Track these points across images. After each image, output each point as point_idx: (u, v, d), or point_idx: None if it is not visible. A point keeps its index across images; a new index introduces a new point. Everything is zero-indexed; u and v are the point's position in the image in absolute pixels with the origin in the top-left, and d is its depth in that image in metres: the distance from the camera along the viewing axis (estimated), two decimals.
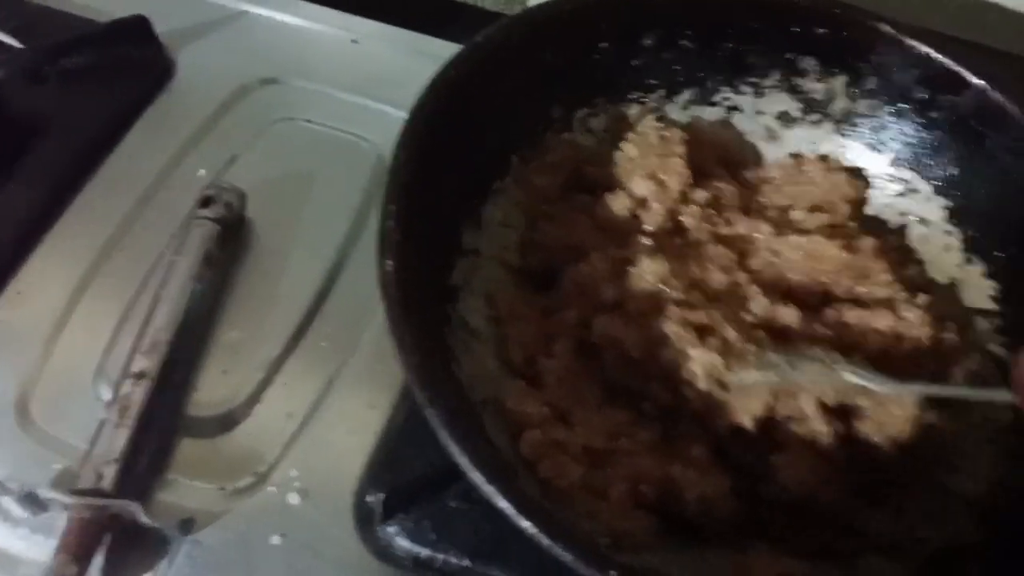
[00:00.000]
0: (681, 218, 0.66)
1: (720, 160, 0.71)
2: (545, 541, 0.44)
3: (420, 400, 0.46)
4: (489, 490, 0.44)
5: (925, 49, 0.63)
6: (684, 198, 0.66)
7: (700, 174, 0.68)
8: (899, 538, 0.56)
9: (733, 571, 0.52)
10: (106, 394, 0.62)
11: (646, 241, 0.63)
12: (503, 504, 0.44)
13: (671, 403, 0.58)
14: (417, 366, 0.47)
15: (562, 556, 0.43)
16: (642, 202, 0.66)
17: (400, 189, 0.53)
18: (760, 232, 0.65)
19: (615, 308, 0.60)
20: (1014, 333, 0.62)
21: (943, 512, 0.57)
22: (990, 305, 0.64)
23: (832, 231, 0.65)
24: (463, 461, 0.45)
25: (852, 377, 0.55)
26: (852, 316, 0.61)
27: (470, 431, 0.48)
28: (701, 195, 0.66)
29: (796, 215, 0.67)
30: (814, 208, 0.67)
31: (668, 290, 0.60)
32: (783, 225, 0.66)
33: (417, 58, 0.82)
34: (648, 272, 0.60)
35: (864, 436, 0.56)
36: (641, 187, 0.65)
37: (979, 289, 0.65)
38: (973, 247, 0.65)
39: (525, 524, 0.44)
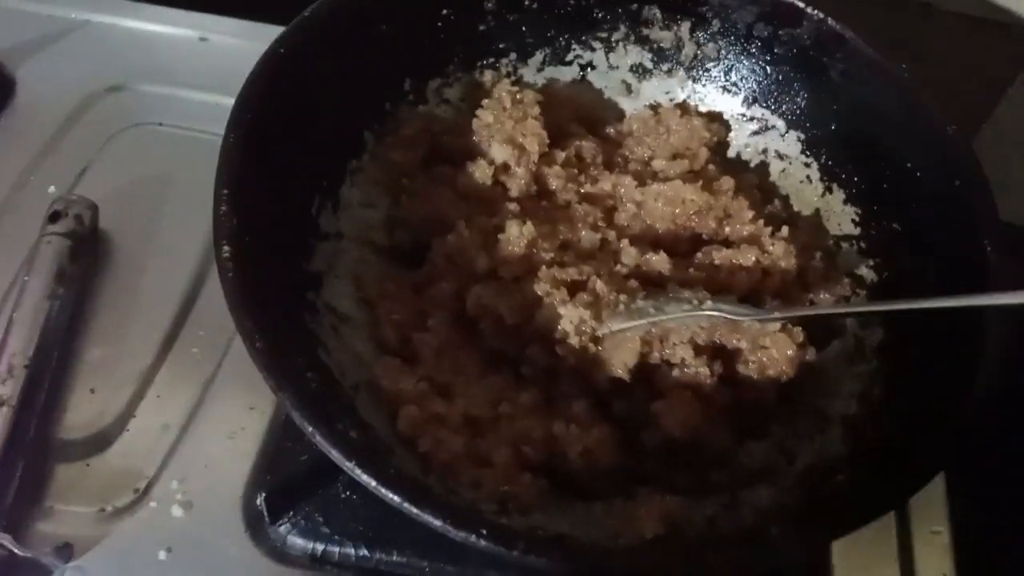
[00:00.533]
0: (546, 180, 0.65)
1: (579, 118, 0.71)
2: (414, 511, 0.43)
3: (270, 386, 0.45)
4: (348, 466, 0.43)
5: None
6: (546, 160, 0.66)
7: (559, 134, 0.68)
8: (772, 462, 0.57)
9: (620, 519, 0.52)
10: None
11: (512, 207, 0.63)
12: (365, 478, 0.43)
13: (549, 364, 0.58)
14: (261, 351, 0.45)
15: (433, 523, 0.43)
16: (504, 167, 0.65)
17: (233, 172, 0.51)
18: (623, 185, 0.65)
19: (488, 277, 0.60)
20: (877, 253, 0.63)
21: (816, 434, 0.58)
22: (853, 230, 0.65)
23: (693, 176, 0.66)
24: (320, 442, 0.44)
25: (716, 312, 0.55)
26: (720, 257, 0.62)
27: (329, 412, 0.47)
28: (561, 155, 0.66)
29: (657, 164, 0.68)
30: (675, 156, 0.68)
31: (538, 252, 0.60)
32: (645, 176, 0.67)
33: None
34: (515, 236, 0.60)
35: (746, 377, 0.57)
36: (500, 152, 0.65)
37: (841, 215, 0.66)
38: (830, 175, 0.67)
39: (392, 496, 0.43)
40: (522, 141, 0.65)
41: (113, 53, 0.80)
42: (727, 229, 0.64)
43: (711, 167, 0.67)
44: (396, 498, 0.43)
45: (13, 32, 0.80)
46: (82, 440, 0.60)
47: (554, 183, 0.65)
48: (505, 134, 0.65)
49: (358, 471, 0.43)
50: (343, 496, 0.59)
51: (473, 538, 0.43)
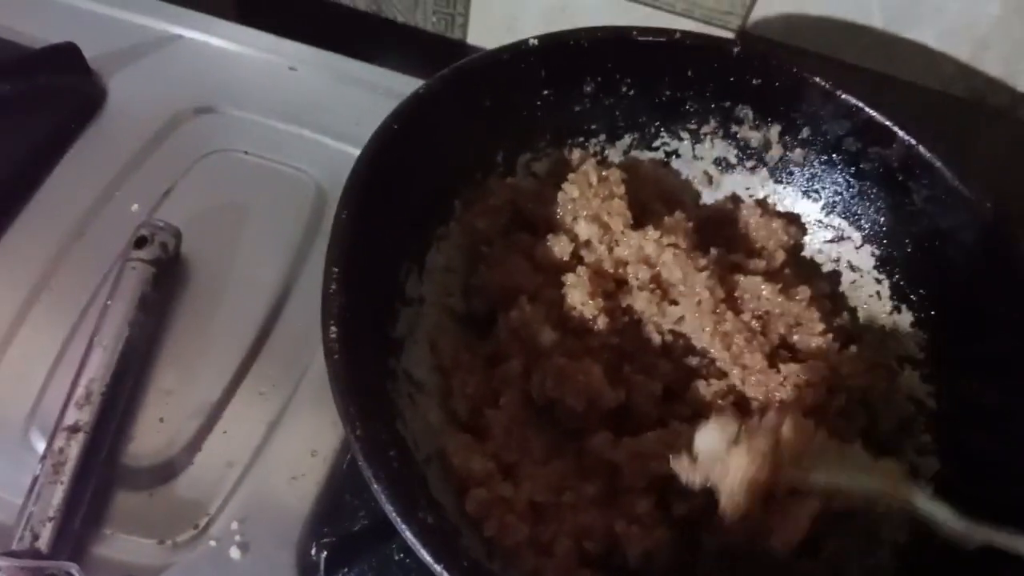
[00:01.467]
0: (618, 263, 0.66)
1: (660, 198, 0.72)
2: None
3: (366, 476, 0.46)
4: (439, 570, 0.44)
5: (855, 101, 0.65)
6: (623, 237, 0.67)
7: (642, 212, 0.69)
8: None
9: None
10: (39, 444, 0.60)
11: (578, 274, 0.63)
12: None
13: (614, 457, 0.59)
14: (363, 439, 0.47)
15: None
16: (586, 243, 0.66)
17: (344, 249, 0.53)
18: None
19: (555, 352, 0.61)
20: (941, 383, 0.64)
21: (868, 556, 0.59)
22: (917, 354, 0.66)
23: (769, 277, 0.67)
24: (410, 539, 0.45)
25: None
26: (787, 371, 0.62)
27: (412, 497, 0.49)
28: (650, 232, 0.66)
29: (735, 258, 0.68)
30: (751, 253, 0.69)
31: (601, 325, 0.61)
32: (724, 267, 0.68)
33: (357, 86, 0.81)
34: (580, 300, 0.61)
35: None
36: (585, 230, 0.66)
37: (907, 337, 0.67)
38: (901, 295, 0.67)
39: None
40: (607, 220, 0.66)
41: (202, 72, 0.81)
42: (795, 338, 0.64)
43: (787, 271, 0.68)
44: None
45: (105, 42, 0.81)
46: (148, 469, 0.61)
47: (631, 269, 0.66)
48: (591, 211, 0.66)
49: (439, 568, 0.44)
50: (396, 559, 0.60)
51: None
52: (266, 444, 0.64)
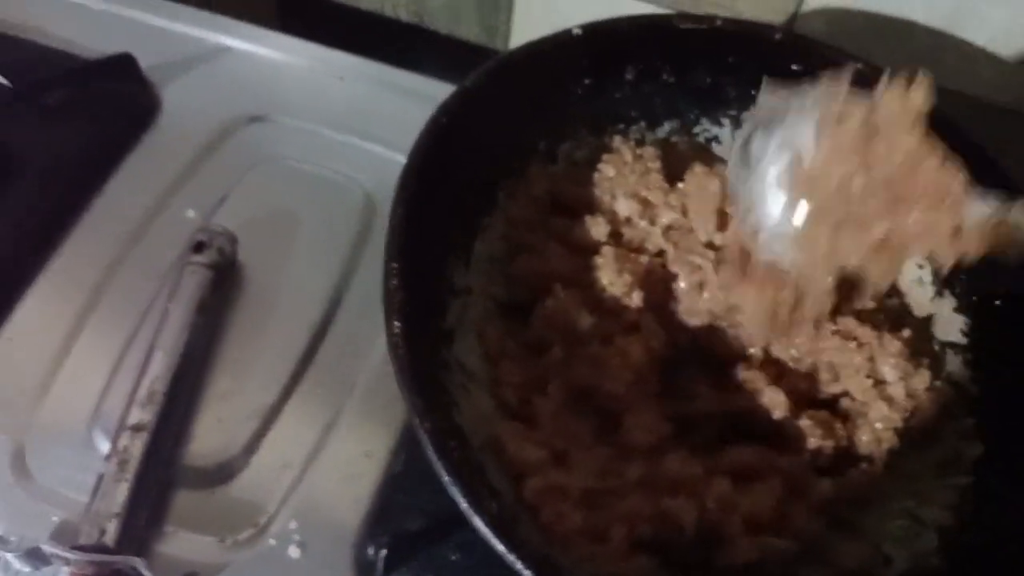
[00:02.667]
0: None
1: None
2: None
3: (436, 470, 0.47)
4: (514, 561, 0.45)
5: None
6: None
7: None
8: (868, 563, 0.57)
9: None
10: (102, 444, 0.62)
11: (603, 255, 0.64)
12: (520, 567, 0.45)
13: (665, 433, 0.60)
14: (431, 432, 0.47)
15: None
16: (627, 221, 0.67)
17: (401, 245, 0.54)
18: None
19: (593, 337, 0.62)
20: (983, 369, 0.64)
21: (910, 537, 0.59)
22: (960, 339, 0.66)
23: None
24: (485, 531, 0.46)
25: None
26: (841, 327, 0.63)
27: (481, 494, 0.49)
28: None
29: None
30: None
31: (636, 301, 0.62)
32: None
33: (404, 96, 0.82)
34: (608, 280, 0.62)
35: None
36: (624, 207, 0.67)
37: (949, 323, 0.67)
38: (943, 281, 0.67)
39: None
40: (646, 195, 0.67)
41: (253, 82, 0.83)
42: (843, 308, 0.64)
43: None
44: None
45: (158, 52, 0.82)
46: (207, 469, 0.62)
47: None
48: (628, 187, 0.67)
49: (518, 564, 0.45)
50: (453, 558, 0.60)
51: None
52: (321, 446, 0.64)
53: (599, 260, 0.64)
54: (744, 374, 0.62)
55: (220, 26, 0.86)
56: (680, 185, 0.68)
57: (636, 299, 0.63)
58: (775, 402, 0.60)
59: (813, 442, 0.60)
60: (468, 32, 0.95)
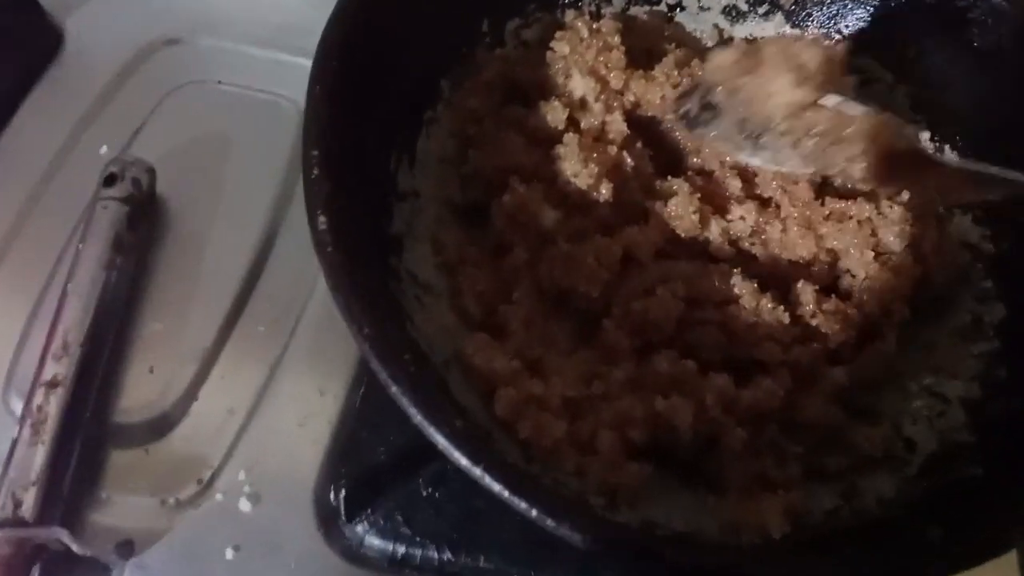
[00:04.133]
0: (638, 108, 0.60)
1: (667, 42, 0.64)
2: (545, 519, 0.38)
3: (382, 379, 0.40)
4: (479, 473, 0.38)
5: None
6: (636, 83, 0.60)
7: (649, 58, 0.62)
8: (891, 447, 0.52)
9: (740, 513, 0.47)
10: (18, 407, 0.54)
11: (566, 143, 0.57)
12: (497, 487, 0.38)
13: (642, 322, 0.53)
14: (371, 337, 0.40)
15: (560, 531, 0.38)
16: (582, 103, 0.59)
17: (321, 131, 0.46)
18: None
19: (560, 233, 0.54)
20: (993, 222, 0.58)
21: (935, 418, 0.53)
22: None
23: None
24: (442, 443, 0.39)
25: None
26: (832, 207, 0.56)
27: (441, 407, 0.42)
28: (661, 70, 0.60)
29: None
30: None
31: (605, 194, 0.55)
32: None
33: (331, 3, 0.74)
34: (572, 171, 0.55)
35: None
36: (580, 85, 0.59)
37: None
38: (942, 135, 0.60)
39: (521, 505, 0.38)
40: (604, 73, 0.59)
41: (168, 3, 0.75)
42: (838, 181, 0.58)
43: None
44: (524, 505, 0.37)
45: None
46: (141, 424, 0.56)
47: (656, 103, 0.59)
48: (585, 65, 0.59)
49: (488, 479, 0.38)
50: (425, 494, 0.54)
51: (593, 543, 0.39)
52: (269, 386, 0.58)
53: (561, 150, 0.56)
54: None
55: None
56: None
57: (605, 192, 0.55)
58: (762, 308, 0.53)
59: (833, 339, 0.53)
60: None
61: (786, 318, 0.53)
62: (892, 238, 0.56)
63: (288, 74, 0.71)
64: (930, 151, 0.49)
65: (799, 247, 0.56)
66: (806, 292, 0.54)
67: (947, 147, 0.60)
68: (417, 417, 0.39)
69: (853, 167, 0.51)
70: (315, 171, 0.43)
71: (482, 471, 0.38)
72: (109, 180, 0.60)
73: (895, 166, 0.51)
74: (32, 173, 0.65)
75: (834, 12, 0.63)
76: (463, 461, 0.39)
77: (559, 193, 0.56)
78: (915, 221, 0.57)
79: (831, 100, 0.50)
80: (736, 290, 0.53)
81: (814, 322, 0.53)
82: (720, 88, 0.53)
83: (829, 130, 0.50)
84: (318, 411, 0.57)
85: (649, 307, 0.52)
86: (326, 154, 0.44)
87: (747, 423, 0.50)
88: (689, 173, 0.59)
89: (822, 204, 0.57)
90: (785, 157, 0.52)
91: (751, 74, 0.51)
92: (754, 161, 0.54)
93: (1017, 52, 0.56)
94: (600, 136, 0.58)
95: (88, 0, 0.74)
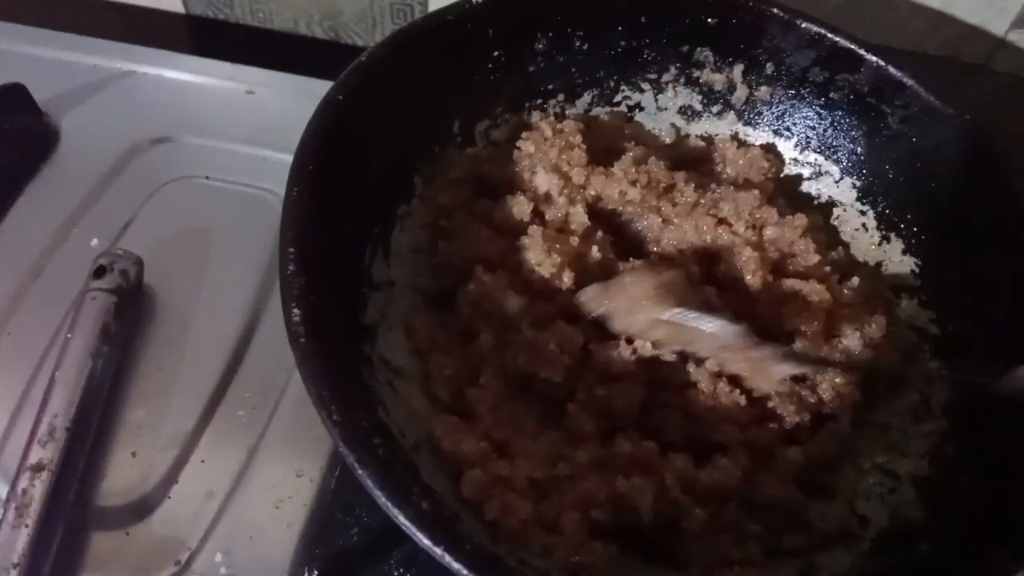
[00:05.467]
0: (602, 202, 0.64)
1: (626, 141, 0.68)
2: None
3: (349, 462, 0.42)
4: (439, 553, 0.40)
5: (817, 28, 0.63)
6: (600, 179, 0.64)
7: (609, 155, 0.66)
8: (845, 524, 0.54)
9: None
10: (2, 491, 0.56)
11: (530, 235, 0.60)
12: (457, 566, 0.40)
13: (602, 406, 0.56)
14: (340, 423, 0.43)
15: None
16: (546, 197, 0.63)
17: (298, 229, 0.49)
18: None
19: (523, 319, 0.57)
20: (939, 307, 0.61)
21: (886, 495, 0.55)
22: (913, 281, 0.63)
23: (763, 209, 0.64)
24: (405, 523, 0.41)
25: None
26: (789, 285, 0.60)
27: (406, 489, 0.44)
28: (623, 169, 0.64)
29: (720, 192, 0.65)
30: (739, 186, 0.65)
31: (568, 282, 0.58)
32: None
33: (315, 103, 0.78)
34: (536, 260, 0.58)
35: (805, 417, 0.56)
36: (544, 181, 0.63)
37: (900, 266, 0.64)
38: (888, 224, 0.65)
39: None
40: (567, 170, 0.63)
41: (158, 105, 0.79)
42: (788, 269, 0.61)
43: (781, 201, 0.65)
44: None
45: (57, 82, 0.78)
46: (123, 507, 0.57)
47: (615, 197, 0.63)
48: (548, 162, 0.63)
49: (448, 558, 0.40)
50: (396, 574, 0.55)
51: None
52: (247, 470, 0.59)
53: (526, 240, 0.60)
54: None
55: (120, 53, 0.82)
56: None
57: (567, 280, 0.59)
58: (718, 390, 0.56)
59: (788, 420, 0.56)
60: None
61: (743, 400, 0.56)
62: (842, 322, 0.59)
63: (272, 169, 0.75)
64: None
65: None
66: None
67: (892, 235, 0.64)
68: (381, 499, 0.42)
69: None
70: (290, 267, 0.46)
71: (442, 551, 0.40)
72: (99, 272, 0.62)
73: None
74: (24, 263, 0.67)
75: (782, 112, 0.68)
76: (425, 541, 0.41)
77: (523, 281, 0.59)
78: (864, 307, 0.60)
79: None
80: (692, 376, 0.56)
81: (770, 404, 0.56)
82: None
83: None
84: (294, 493, 0.58)
85: (613, 393, 0.55)
86: (302, 250, 0.48)
87: (707, 503, 0.52)
88: (651, 258, 0.63)
89: (779, 284, 0.60)
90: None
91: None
92: None
93: (956, 150, 0.61)
94: (563, 227, 0.62)
95: (83, 101, 0.78)
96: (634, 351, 0.56)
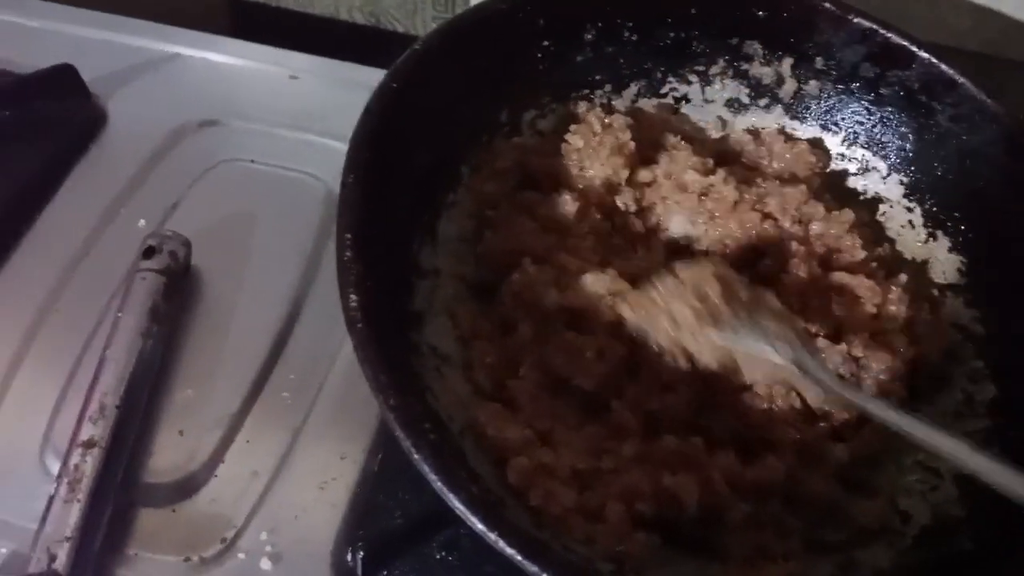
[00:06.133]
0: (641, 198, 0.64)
1: (673, 134, 0.68)
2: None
3: (405, 447, 0.43)
4: (493, 538, 0.41)
5: (869, 24, 0.63)
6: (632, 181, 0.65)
7: (653, 149, 0.66)
8: (887, 520, 0.54)
9: None
10: (55, 467, 0.57)
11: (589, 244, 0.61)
12: (510, 551, 0.41)
13: (650, 409, 0.56)
14: (397, 407, 0.43)
15: None
16: (594, 194, 0.63)
17: (354, 216, 0.50)
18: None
19: (560, 314, 0.58)
20: (985, 306, 0.61)
21: (928, 490, 0.56)
22: (958, 280, 0.63)
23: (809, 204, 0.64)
24: (460, 508, 0.41)
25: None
26: (838, 279, 0.60)
27: (459, 474, 0.45)
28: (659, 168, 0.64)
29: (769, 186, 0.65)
30: (784, 181, 0.65)
31: (610, 310, 0.57)
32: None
33: (358, 89, 0.75)
34: (594, 286, 0.58)
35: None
36: (598, 171, 0.63)
37: (946, 264, 0.64)
38: (935, 222, 0.65)
39: (533, 569, 0.40)
40: (614, 171, 0.63)
41: (204, 87, 0.80)
42: (834, 265, 0.62)
43: (827, 196, 0.65)
44: (536, 569, 0.40)
45: (103, 63, 0.79)
46: (169, 484, 0.58)
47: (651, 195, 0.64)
48: (599, 160, 0.63)
49: (502, 544, 0.40)
50: (438, 557, 0.56)
51: None
52: (291, 451, 0.60)
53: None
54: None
55: (167, 35, 0.83)
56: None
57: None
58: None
59: (837, 417, 0.56)
60: (425, 28, 0.92)
61: (797, 402, 0.56)
62: (888, 319, 0.59)
63: (315, 154, 0.75)
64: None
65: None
66: None
67: (939, 232, 0.64)
68: (437, 484, 0.42)
69: None
70: (348, 253, 0.47)
71: (496, 536, 0.41)
72: (148, 252, 0.63)
73: None
74: (73, 243, 0.68)
75: (830, 106, 0.68)
76: (479, 526, 0.41)
77: (568, 281, 0.59)
78: (911, 303, 0.60)
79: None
80: (746, 379, 0.56)
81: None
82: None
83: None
84: (338, 475, 0.59)
85: (664, 402, 0.55)
86: (358, 237, 0.48)
87: (751, 498, 0.52)
88: (695, 255, 0.63)
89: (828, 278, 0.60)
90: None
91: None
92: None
93: (1005, 149, 0.60)
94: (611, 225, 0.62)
95: (130, 83, 0.79)
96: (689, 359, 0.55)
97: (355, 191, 0.50)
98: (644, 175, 0.64)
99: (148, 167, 0.73)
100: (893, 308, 0.59)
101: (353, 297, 0.46)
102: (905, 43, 0.62)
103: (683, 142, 0.66)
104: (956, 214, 0.63)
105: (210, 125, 0.77)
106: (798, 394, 0.55)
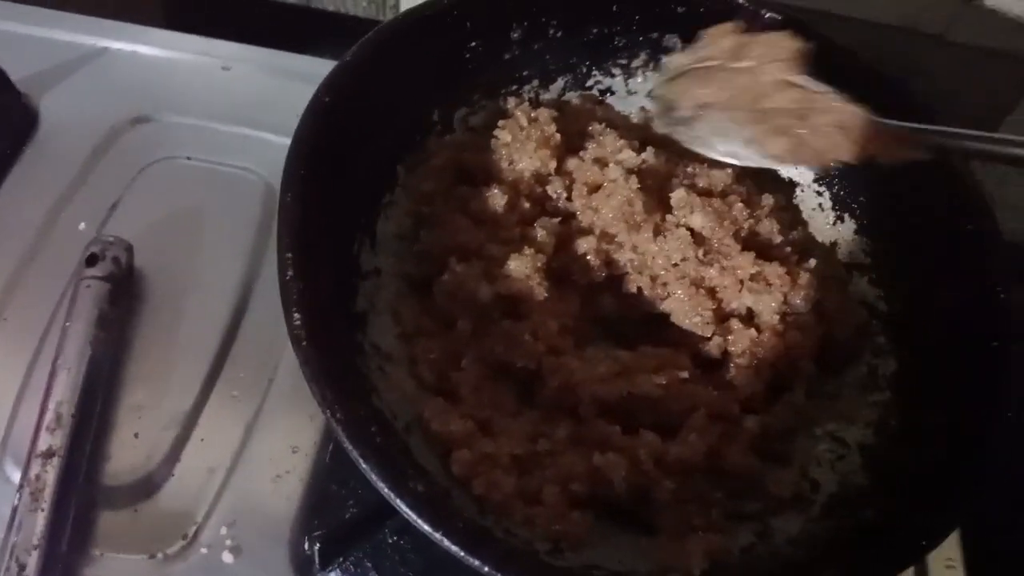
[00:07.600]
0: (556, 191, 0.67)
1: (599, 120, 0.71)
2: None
3: (352, 457, 0.46)
4: (439, 537, 0.45)
5: (781, 17, 0.65)
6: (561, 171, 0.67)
7: (580, 138, 0.69)
8: (798, 489, 0.59)
9: (668, 553, 0.54)
10: (14, 474, 0.59)
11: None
12: (455, 549, 0.45)
13: (572, 398, 0.59)
14: (343, 420, 0.46)
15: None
16: (524, 186, 0.66)
17: (293, 233, 0.52)
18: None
19: (496, 307, 0.61)
20: (889, 285, 0.65)
21: (836, 461, 0.60)
22: (864, 259, 0.67)
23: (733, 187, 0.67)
24: (406, 510, 0.45)
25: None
26: (751, 262, 0.63)
27: (403, 474, 0.48)
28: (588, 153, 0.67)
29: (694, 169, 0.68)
30: (711, 164, 0.68)
31: (539, 288, 0.61)
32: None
33: (293, 79, 0.80)
34: (518, 269, 0.61)
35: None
36: (527, 164, 0.66)
37: (852, 245, 0.68)
38: (842, 205, 0.69)
39: (475, 563, 0.44)
40: (540, 163, 0.66)
41: (135, 82, 0.80)
42: (753, 244, 0.65)
43: (748, 181, 0.69)
44: (477, 563, 0.44)
45: (31, 60, 0.79)
46: (129, 486, 0.60)
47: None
48: (526, 153, 0.66)
49: (447, 543, 0.44)
50: (391, 541, 0.60)
51: None
52: (245, 446, 0.63)
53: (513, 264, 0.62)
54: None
55: (94, 28, 0.82)
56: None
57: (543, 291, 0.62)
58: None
59: (743, 390, 0.60)
60: (356, 6, 0.92)
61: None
62: (799, 301, 0.63)
63: (252, 147, 0.77)
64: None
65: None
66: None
67: (846, 215, 0.68)
68: (384, 490, 0.46)
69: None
70: (289, 272, 0.49)
71: (441, 535, 0.45)
72: (91, 260, 0.65)
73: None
74: (13, 252, 0.69)
75: None
76: (425, 527, 0.45)
77: (499, 272, 0.62)
78: (819, 285, 0.64)
79: (802, 79, 0.55)
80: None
81: (727, 376, 0.61)
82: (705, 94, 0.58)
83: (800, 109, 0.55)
84: (292, 467, 0.62)
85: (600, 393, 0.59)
86: (298, 255, 0.50)
87: (675, 475, 0.57)
88: None
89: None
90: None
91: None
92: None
93: None
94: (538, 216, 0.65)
95: (60, 80, 0.79)
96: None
97: (294, 209, 0.52)
98: (572, 164, 0.67)
99: (85, 168, 0.74)
100: (798, 301, 0.62)
101: (296, 316, 0.48)
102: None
103: (608, 128, 0.69)
104: (861, 198, 0.67)
105: (144, 122, 0.77)
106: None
